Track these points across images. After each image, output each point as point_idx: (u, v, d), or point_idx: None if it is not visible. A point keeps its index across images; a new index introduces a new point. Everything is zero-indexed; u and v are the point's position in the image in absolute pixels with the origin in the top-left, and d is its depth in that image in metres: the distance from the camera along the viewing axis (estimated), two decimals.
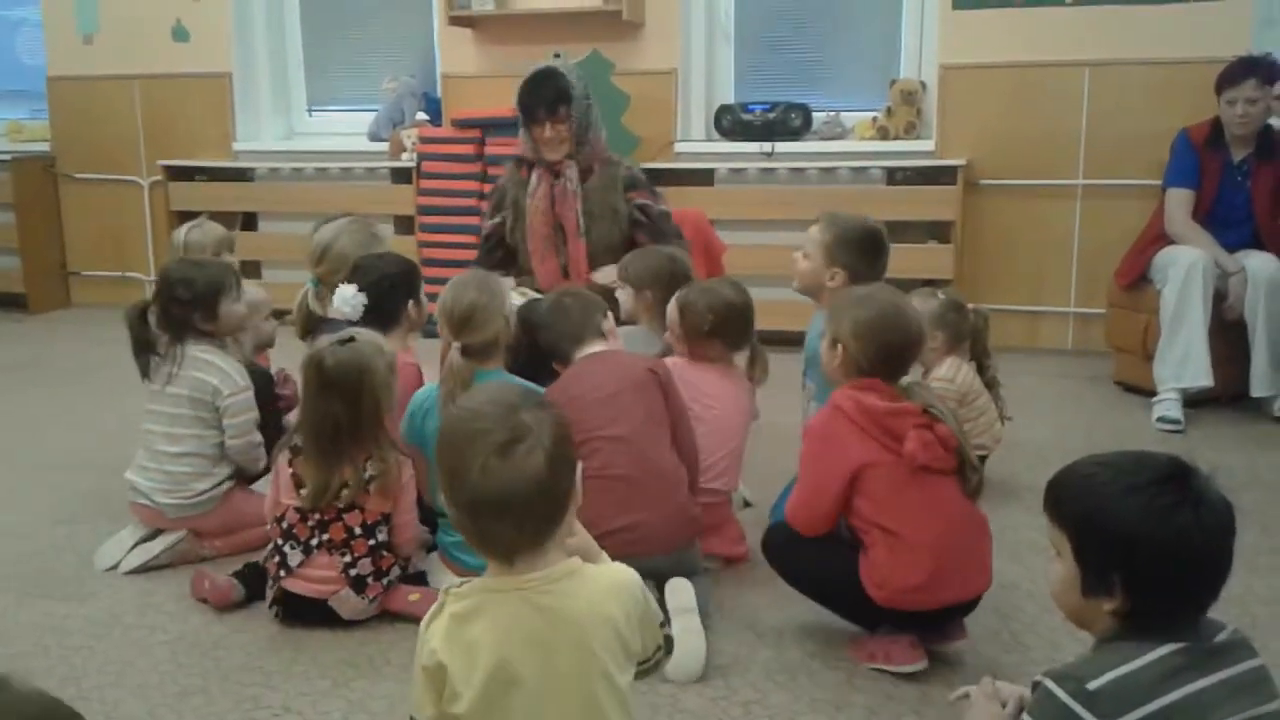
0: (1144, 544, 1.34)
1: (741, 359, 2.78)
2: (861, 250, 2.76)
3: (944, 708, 2.03)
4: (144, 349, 2.74)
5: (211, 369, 2.73)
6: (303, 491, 2.36)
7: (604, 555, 1.56)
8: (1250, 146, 3.94)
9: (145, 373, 2.75)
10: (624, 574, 1.47)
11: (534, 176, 3.31)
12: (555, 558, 1.41)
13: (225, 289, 2.78)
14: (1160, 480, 1.36)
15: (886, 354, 2.19)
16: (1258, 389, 3.82)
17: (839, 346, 2.23)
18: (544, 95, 3.24)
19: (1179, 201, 3.98)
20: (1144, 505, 1.34)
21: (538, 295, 3.09)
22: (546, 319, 2.62)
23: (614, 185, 3.32)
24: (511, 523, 1.36)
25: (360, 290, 2.77)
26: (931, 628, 2.19)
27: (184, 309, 2.72)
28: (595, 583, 1.42)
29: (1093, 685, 1.31)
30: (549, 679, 1.37)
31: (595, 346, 2.54)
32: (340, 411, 2.34)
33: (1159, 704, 1.30)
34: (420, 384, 2.69)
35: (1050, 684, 1.34)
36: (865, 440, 2.14)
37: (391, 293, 2.80)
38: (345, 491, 2.34)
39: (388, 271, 2.82)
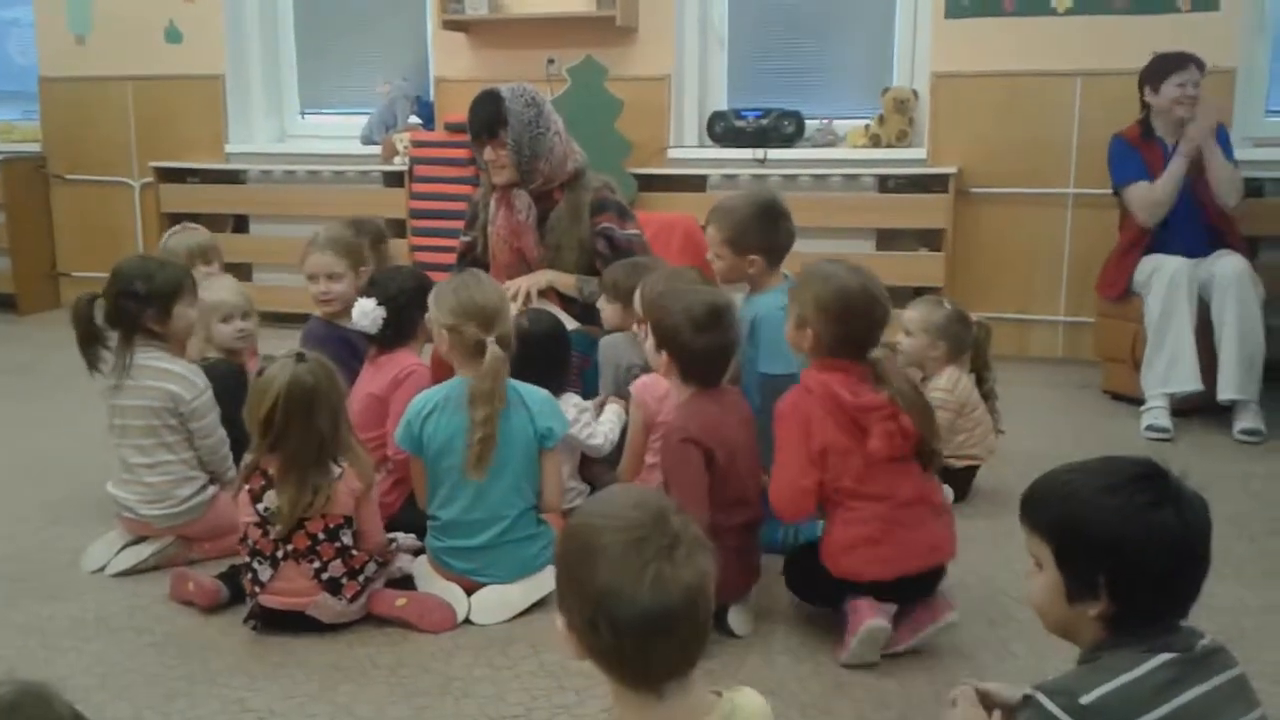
0: (1128, 543, 1.34)
1: None
2: (761, 228, 2.79)
3: (934, 713, 2.04)
4: (90, 342, 2.69)
5: (170, 376, 2.69)
6: (259, 507, 2.34)
7: None
8: (1179, 132, 3.99)
9: (92, 365, 2.70)
10: (764, 708, 1.35)
11: (493, 202, 3.23)
12: (701, 687, 1.28)
13: (182, 291, 2.74)
14: (1138, 480, 1.37)
15: (853, 331, 2.24)
16: (1225, 392, 3.73)
17: (807, 328, 2.25)
18: (478, 118, 3.14)
19: (1140, 193, 3.98)
20: (1124, 504, 1.35)
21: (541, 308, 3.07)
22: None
23: (578, 213, 3.18)
24: (680, 638, 1.22)
25: (379, 304, 2.80)
26: (904, 601, 2.24)
27: (138, 305, 2.68)
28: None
29: (1085, 699, 1.30)
30: None
31: None
32: (326, 426, 2.32)
33: (1152, 717, 1.29)
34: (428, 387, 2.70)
35: (1041, 697, 1.33)
36: (832, 425, 2.20)
37: (408, 307, 2.83)
38: (317, 499, 2.32)
39: (404, 286, 2.86)
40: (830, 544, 2.26)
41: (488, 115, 3.12)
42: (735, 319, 2.42)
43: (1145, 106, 4.07)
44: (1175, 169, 3.90)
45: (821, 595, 2.35)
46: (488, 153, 3.15)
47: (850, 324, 2.23)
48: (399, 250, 5.18)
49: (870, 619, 2.18)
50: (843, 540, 2.23)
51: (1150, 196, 3.95)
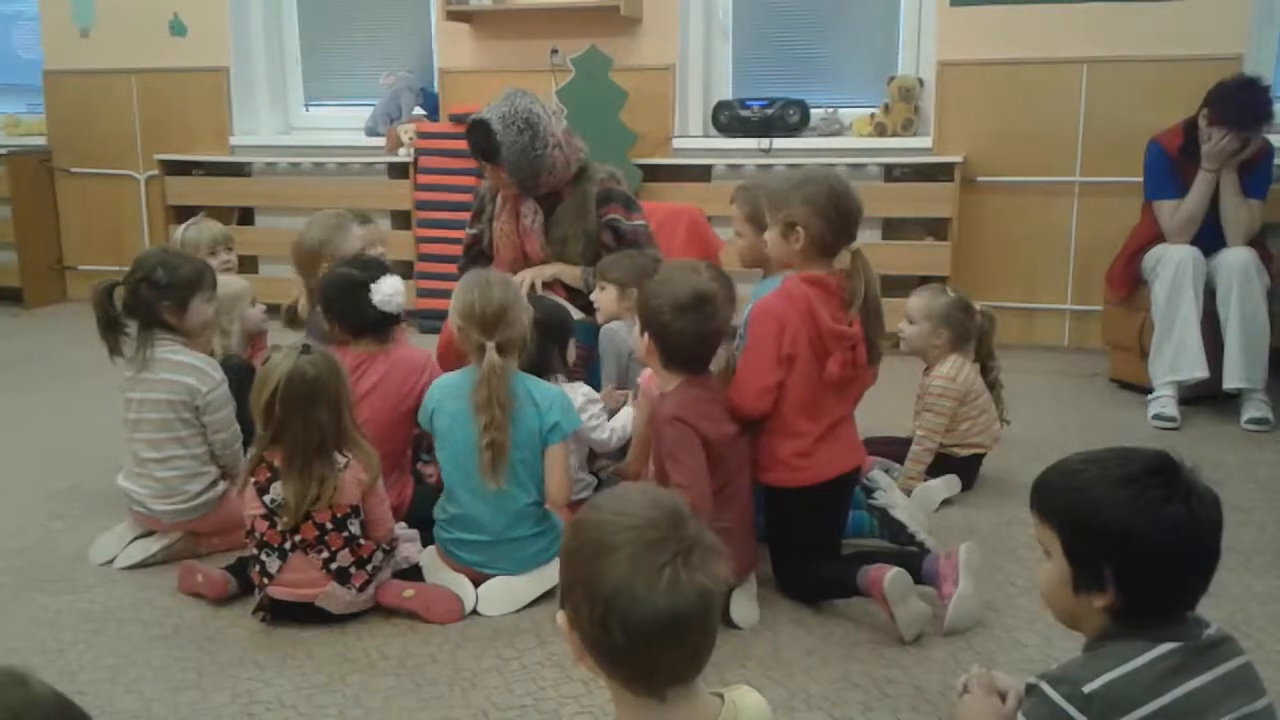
0: (1137, 536, 1.33)
1: None
2: None
3: (940, 704, 2.04)
4: (110, 328, 2.71)
5: (186, 369, 2.70)
6: (267, 499, 2.34)
7: None
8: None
9: (114, 351, 2.72)
10: (764, 707, 1.34)
11: (499, 199, 3.23)
12: (703, 689, 1.26)
13: (201, 286, 2.76)
14: (1150, 473, 1.36)
15: (847, 223, 2.29)
16: (1231, 380, 3.74)
17: (798, 230, 2.28)
18: (472, 148, 3.14)
19: (1169, 210, 3.93)
20: (1135, 497, 1.34)
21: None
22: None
23: (585, 205, 3.17)
24: (691, 645, 1.19)
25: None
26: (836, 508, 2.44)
27: (156, 294, 2.69)
28: None
29: (1088, 688, 1.31)
30: None
31: None
32: (326, 418, 2.32)
33: (1155, 705, 1.29)
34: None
35: (1045, 686, 1.34)
36: (804, 336, 2.30)
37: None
38: (323, 489, 2.31)
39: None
40: (765, 457, 2.38)
41: (479, 147, 3.11)
42: (721, 309, 2.39)
43: (1196, 122, 3.88)
44: (1202, 186, 3.83)
45: (818, 590, 2.42)
46: (488, 171, 3.18)
47: (842, 219, 2.28)
48: (405, 242, 5.22)
49: (886, 574, 2.22)
50: (778, 454, 2.36)
51: (1180, 216, 3.88)
